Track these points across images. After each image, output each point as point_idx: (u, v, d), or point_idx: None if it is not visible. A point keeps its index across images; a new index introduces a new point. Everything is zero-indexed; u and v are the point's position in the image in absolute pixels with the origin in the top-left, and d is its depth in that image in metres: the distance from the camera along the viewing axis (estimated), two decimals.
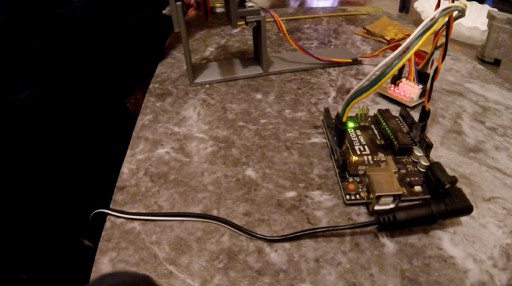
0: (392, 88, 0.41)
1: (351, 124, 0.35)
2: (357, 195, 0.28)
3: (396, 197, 0.26)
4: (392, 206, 0.26)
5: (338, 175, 0.30)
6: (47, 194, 0.42)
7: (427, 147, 0.31)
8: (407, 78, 0.40)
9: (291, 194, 0.29)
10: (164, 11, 0.39)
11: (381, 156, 0.31)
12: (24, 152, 0.40)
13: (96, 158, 0.51)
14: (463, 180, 0.30)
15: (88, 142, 0.51)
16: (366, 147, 0.32)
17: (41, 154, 0.42)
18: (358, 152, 0.32)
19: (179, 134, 0.37)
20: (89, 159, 0.50)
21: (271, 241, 0.25)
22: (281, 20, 0.57)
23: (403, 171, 0.30)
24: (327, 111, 0.35)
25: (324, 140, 0.35)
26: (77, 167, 0.47)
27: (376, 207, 0.26)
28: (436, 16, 0.24)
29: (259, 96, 0.43)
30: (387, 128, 0.33)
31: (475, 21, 0.63)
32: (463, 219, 0.27)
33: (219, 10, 0.42)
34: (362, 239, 0.25)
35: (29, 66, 0.38)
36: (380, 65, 0.24)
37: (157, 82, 0.47)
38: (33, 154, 0.41)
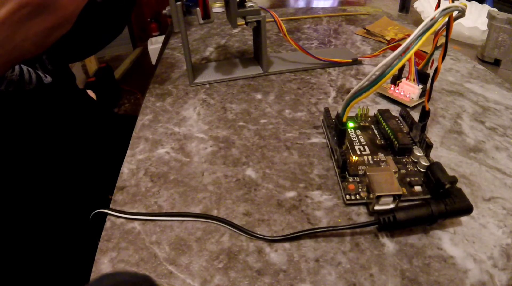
0: (392, 88, 0.41)
1: (351, 124, 0.35)
2: (357, 195, 0.28)
3: (396, 197, 0.26)
4: (392, 206, 0.26)
5: (338, 175, 0.30)
6: (48, 195, 0.42)
7: (427, 147, 0.31)
8: (407, 78, 0.40)
9: (291, 194, 0.29)
10: (164, 11, 0.39)
11: (381, 156, 0.31)
12: (24, 152, 0.40)
13: (96, 158, 0.51)
14: (463, 180, 0.30)
15: (87, 142, 0.51)
16: (366, 147, 0.32)
17: (40, 154, 0.42)
18: (358, 152, 0.32)
19: (179, 134, 0.37)
20: (89, 159, 0.50)
21: (271, 241, 0.25)
22: (281, 20, 0.57)
23: (403, 171, 0.30)
24: (327, 111, 0.35)
25: (324, 140, 0.35)
26: (77, 167, 0.48)
27: (376, 207, 0.26)
28: (436, 16, 0.24)
29: (259, 96, 0.43)
30: (387, 128, 0.33)
31: (475, 21, 0.63)
32: (463, 219, 0.27)
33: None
34: (362, 239, 0.25)
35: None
36: (380, 65, 0.24)
37: (157, 82, 0.47)
38: (33, 154, 0.41)
